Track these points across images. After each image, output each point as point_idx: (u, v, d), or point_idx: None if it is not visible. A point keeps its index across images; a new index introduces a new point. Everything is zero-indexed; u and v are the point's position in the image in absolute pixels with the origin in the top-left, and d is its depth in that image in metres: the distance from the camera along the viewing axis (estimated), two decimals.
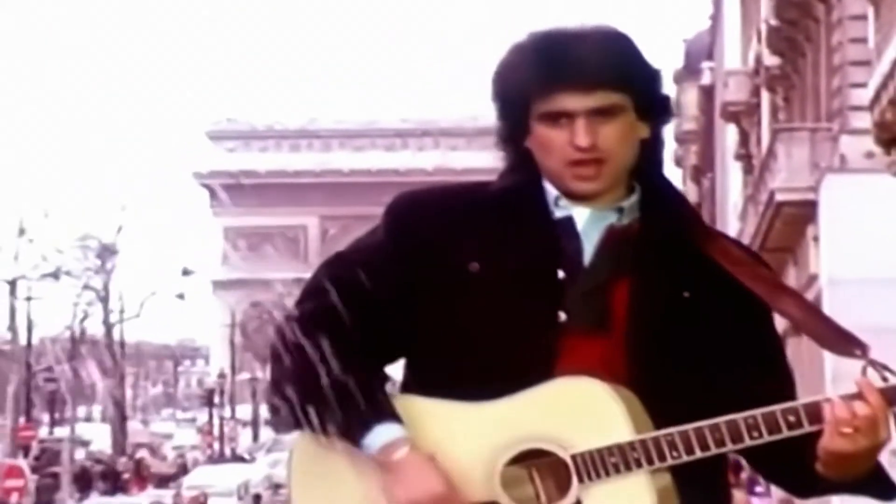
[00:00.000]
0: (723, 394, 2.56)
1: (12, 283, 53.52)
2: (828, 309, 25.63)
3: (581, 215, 2.62)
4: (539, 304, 2.57)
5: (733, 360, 2.61)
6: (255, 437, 70.35)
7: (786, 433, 2.48)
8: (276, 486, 42.06)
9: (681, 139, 59.57)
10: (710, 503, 2.60)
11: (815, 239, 24.53)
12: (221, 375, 74.02)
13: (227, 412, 72.17)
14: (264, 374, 76.38)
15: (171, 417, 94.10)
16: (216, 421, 69.86)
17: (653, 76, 2.66)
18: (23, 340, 53.30)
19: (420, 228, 2.64)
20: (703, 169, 55.25)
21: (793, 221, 25.93)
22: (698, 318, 2.60)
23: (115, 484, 51.13)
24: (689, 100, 55.52)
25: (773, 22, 31.04)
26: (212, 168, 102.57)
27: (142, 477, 53.48)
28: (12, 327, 53.96)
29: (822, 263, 23.70)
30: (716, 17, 49.22)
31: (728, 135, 43.56)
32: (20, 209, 55.28)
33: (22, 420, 51.48)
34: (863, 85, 19.20)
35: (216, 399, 71.28)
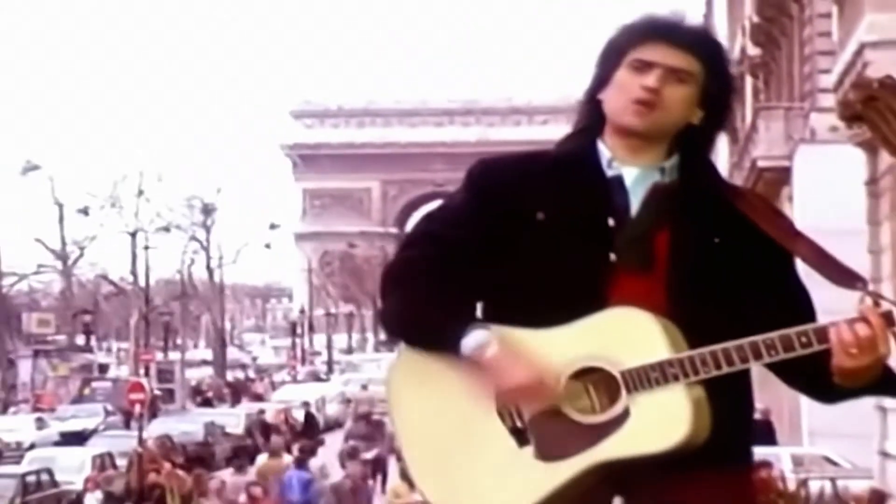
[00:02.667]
0: (748, 321, 2.55)
1: (133, 235, 53.82)
2: None
3: (630, 174, 2.60)
4: (593, 247, 2.56)
5: (757, 293, 2.60)
6: (330, 361, 70.59)
7: (799, 351, 2.48)
8: (347, 401, 42.21)
9: None
10: (736, 410, 2.60)
11: (790, 198, 24.41)
12: (302, 311, 74.27)
13: (306, 341, 72.50)
14: (337, 309, 76.71)
15: (261, 345, 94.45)
16: (298, 348, 70.20)
17: (727, 76, 2.65)
18: (142, 282, 53.65)
19: (495, 186, 2.62)
20: None
21: (771, 184, 25.80)
22: (727, 259, 2.58)
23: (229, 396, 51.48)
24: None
25: (755, 19, 30.82)
26: (293, 141, 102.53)
27: (252, 393, 53.72)
28: (133, 271, 54.33)
29: (795, 218, 23.51)
30: (707, 15, 48.80)
31: None
32: (139, 175, 55.58)
33: (142, 346, 51.93)
34: (828, 71, 19.05)
35: (298, 330, 71.60)
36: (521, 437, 2.51)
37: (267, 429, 33.55)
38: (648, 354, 2.47)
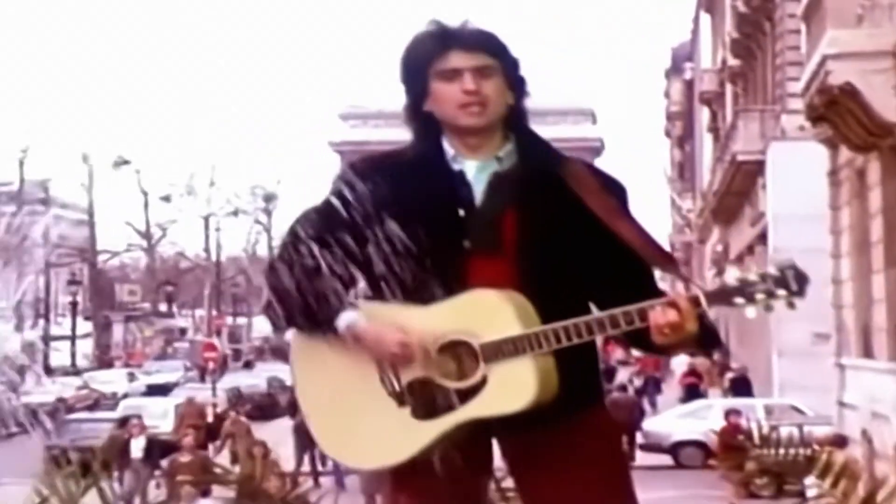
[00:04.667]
0: (591, 291, 2.51)
1: (206, 219, 54.10)
2: (772, 235, 25.29)
3: (471, 167, 2.54)
4: (448, 236, 2.50)
5: (597, 265, 2.53)
6: None
7: (625, 328, 2.44)
8: None
9: (669, 117, 58.93)
10: (584, 364, 2.56)
11: (764, 187, 24.34)
12: None
13: None
14: None
15: None
16: None
17: (515, 60, 2.58)
18: (214, 258, 53.88)
19: (358, 188, 2.56)
20: (685, 138, 54.74)
21: (748, 174, 25.75)
22: (567, 234, 2.51)
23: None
24: (676, 89, 54.91)
25: (735, 35, 30.66)
26: (341, 139, 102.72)
27: None
28: (207, 249, 54.62)
29: (768, 204, 23.53)
30: (694, 31, 48.54)
31: (703, 114, 43.10)
32: (211, 168, 55.83)
33: (214, 312, 52.18)
34: (797, 79, 18.98)
35: None
36: (399, 399, 2.49)
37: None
38: (503, 330, 2.44)
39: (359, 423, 2.52)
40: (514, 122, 2.58)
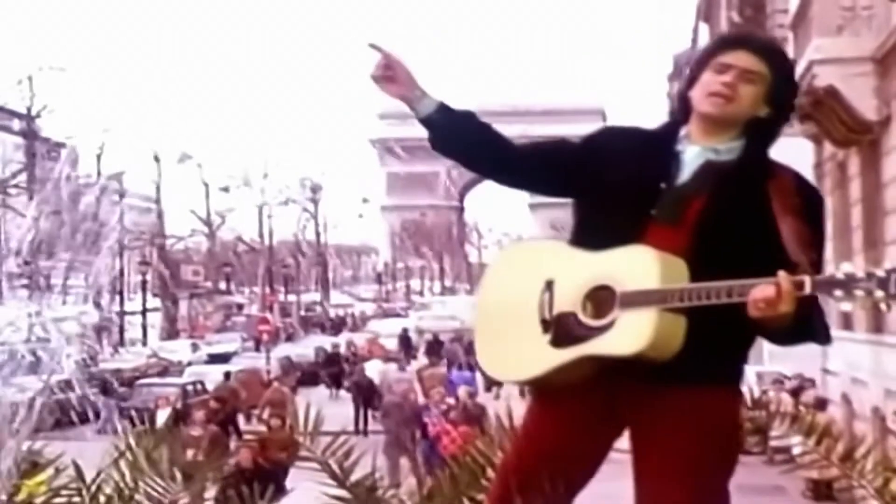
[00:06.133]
0: (746, 270, 2.43)
1: (260, 208, 54.20)
2: None
3: (691, 151, 2.53)
4: (642, 203, 2.50)
5: (754, 253, 2.47)
6: (408, 301, 70.77)
7: (735, 299, 2.39)
8: (420, 332, 42.28)
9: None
10: (712, 353, 2.46)
11: None
12: (386, 264, 74.43)
13: (391, 287, 72.60)
14: (413, 263, 76.71)
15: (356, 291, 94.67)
16: (383, 291, 70.23)
17: (791, 80, 2.54)
18: (267, 242, 54.03)
19: (595, 147, 2.60)
20: None
21: None
22: (744, 225, 2.48)
23: (326, 328, 51.78)
24: (676, 92, 54.69)
25: None
26: (379, 136, 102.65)
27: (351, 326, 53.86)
28: (261, 234, 54.73)
29: None
30: (694, 39, 48.25)
31: None
32: (264, 161, 55.99)
33: (267, 290, 52.36)
34: None
35: (383, 279, 71.67)
36: (546, 326, 2.51)
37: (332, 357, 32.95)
38: (643, 283, 2.43)
39: (509, 342, 2.55)
40: (754, 130, 2.53)
